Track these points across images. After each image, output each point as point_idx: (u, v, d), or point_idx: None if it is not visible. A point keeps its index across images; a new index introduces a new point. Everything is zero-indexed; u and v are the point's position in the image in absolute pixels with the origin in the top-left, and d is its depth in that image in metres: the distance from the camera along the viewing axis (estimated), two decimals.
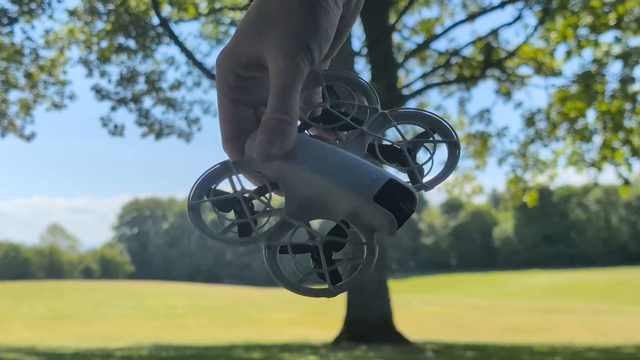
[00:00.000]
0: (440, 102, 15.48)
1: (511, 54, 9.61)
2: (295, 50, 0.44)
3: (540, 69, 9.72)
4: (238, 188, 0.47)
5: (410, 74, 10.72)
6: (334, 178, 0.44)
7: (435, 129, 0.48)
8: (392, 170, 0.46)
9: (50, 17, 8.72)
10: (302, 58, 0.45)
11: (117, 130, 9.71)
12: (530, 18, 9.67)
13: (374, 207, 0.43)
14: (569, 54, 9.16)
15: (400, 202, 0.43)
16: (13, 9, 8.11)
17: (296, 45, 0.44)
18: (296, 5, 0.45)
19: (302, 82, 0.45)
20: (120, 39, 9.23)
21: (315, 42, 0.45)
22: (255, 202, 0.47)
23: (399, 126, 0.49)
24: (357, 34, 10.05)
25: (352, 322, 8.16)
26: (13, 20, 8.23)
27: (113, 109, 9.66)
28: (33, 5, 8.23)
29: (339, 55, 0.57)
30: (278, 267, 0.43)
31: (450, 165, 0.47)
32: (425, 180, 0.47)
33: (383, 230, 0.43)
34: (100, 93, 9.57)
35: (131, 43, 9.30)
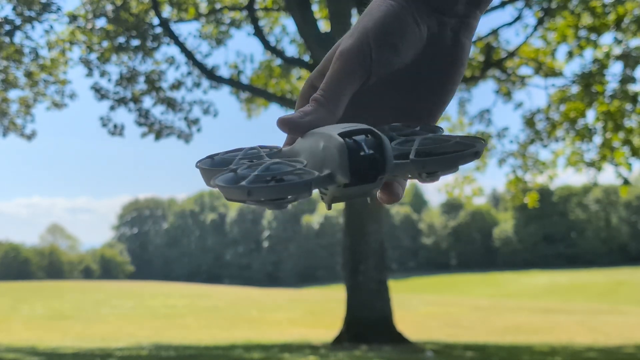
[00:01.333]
0: None
1: (511, 54, 9.61)
2: (353, 46, 0.47)
3: (540, 69, 9.72)
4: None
5: None
6: (324, 130, 0.43)
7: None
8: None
9: (51, 27, 8.75)
10: (357, 54, 0.47)
11: (117, 130, 9.72)
12: (530, 18, 9.64)
13: (332, 138, 0.40)
14: (570, 55, 9.16)
15: (363, 142, 0.40)
16: (16, 18, 8.13)
17: (356, 43, 0.47)
18: (369, 12, 0.49)
19: (352, 76, 0.47)
20: (121, 39, 9.23)
21: (377, 43, 0.47)
22: None
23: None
24: None
25: (352, 322, 8.15)
26: (16, 28, 8.25)
27: (112, 108, 9.66)
28: (33, 14, 8.24)
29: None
30: (224, 180, 0.42)
31: (456, 159, 0.42)
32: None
33: (333, 162, 0.40)
34: (99, 92, 9.58)
35: (131, 43, 9.30)
